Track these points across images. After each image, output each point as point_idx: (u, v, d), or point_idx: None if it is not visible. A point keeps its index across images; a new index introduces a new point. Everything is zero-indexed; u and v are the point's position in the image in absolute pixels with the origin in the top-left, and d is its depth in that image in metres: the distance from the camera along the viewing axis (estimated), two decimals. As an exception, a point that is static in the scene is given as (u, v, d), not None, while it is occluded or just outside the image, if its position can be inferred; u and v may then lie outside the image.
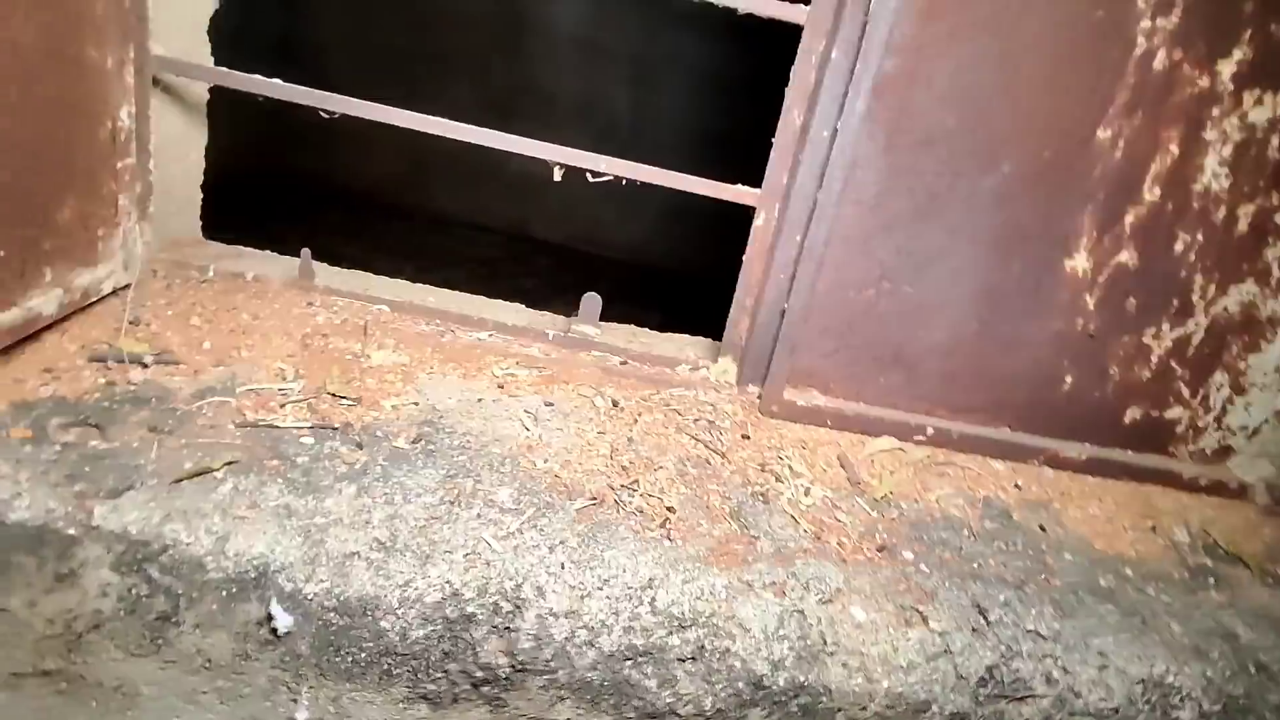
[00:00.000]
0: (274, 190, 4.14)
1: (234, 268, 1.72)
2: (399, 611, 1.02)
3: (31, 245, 1.17)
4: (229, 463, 1.14)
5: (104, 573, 0.99)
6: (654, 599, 1.09)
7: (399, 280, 1.94)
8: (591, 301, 1.83)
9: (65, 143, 1.21)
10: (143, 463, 1.10)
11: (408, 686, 1.04)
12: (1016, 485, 1.66)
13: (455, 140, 1.63)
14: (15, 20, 1.01)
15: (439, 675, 1.04)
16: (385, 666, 1.03)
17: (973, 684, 1.09)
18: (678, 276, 4.22)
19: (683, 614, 1.08)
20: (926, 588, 1.21)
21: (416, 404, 1.43)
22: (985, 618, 1.16)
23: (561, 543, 1.13)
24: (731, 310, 1.75)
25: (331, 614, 1.01)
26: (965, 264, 1.63)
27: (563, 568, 1.09)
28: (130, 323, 1.43)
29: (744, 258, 1.71)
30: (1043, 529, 1.50)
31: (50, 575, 0.98)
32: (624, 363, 1.77)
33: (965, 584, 1.23)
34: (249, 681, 1.03)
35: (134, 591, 0.99)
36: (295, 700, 1.04)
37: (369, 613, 1.01)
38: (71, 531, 0.97)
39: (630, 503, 1.28)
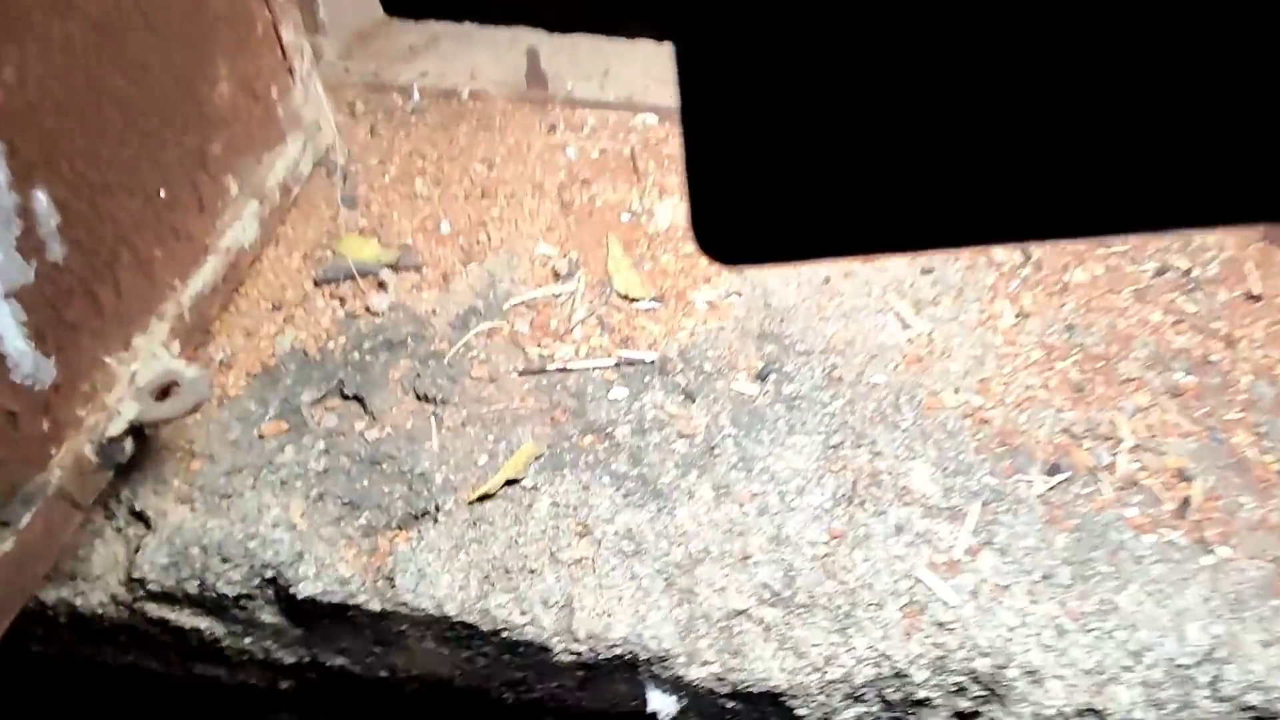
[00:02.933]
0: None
1: (443, 81, 1.25)
2: (819, 699, 0.70)
3: (197, 160, 0.78)
4: (535, 457, 0.81)
5: (429, 644, 0.74)
6: (1216, 679, 0.68)
7: (637, 43, 1.36)
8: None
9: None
10: (426, 466, 0.80)
11: (826, 757, 0.76)
12: None
13: None
14: None
15: (870, 752, 0.75)
16: (798, 742, 0.75)
17: None
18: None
19: (1270, 706, 0.67)
20: None
21: (740, 294, 0.98)
22: None
23: (1045, 578, 0.72)
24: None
25: (726, 700, 0.72)
26: None
27: (1060, 633, 0.69)
28: (346, 206, 1.06)
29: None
30: None
31: (370, 640, 0.76)
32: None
33: None
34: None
35: (480, 661, 0.75)
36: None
37: (778, 700, 0.71)
38: (377, 607, 0.72)
39: (1114, 468, 0.81)
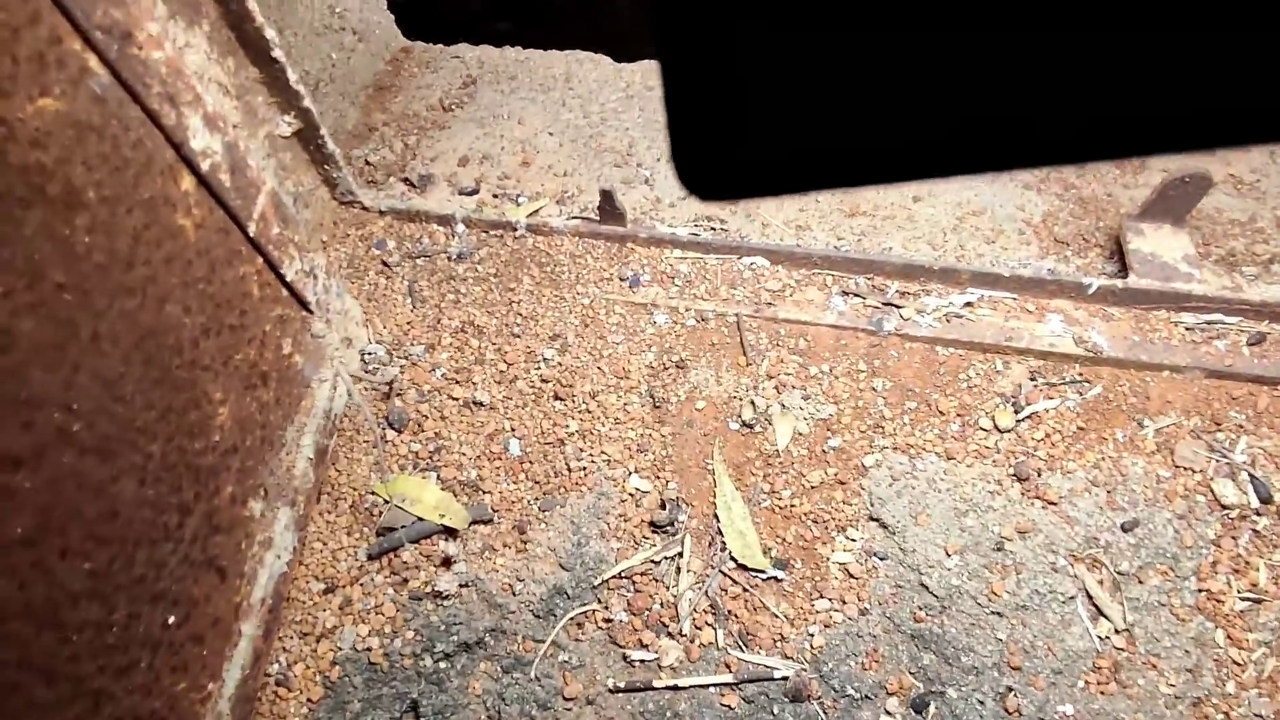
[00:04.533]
0: None
1: (489, 209, 0.99)
2: None
3: (205, 534, 0.61)
4: (650, 846, 0.68)
5: None
6: None
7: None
8: (1184, 184, 0.84)
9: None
10: None
11: None
12: None
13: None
14: None
15: None
16: None
17: None
18: None
19: None
20: None
21: (882, 557, 0.79)
22: None
23: None
24: None
25: None
26: None
27: None
28: (394, 427, 0.86)
29: None
30: None
31: None
32: None
33: None
34: None
35: None
36: None
37: None
38: None
39: None
